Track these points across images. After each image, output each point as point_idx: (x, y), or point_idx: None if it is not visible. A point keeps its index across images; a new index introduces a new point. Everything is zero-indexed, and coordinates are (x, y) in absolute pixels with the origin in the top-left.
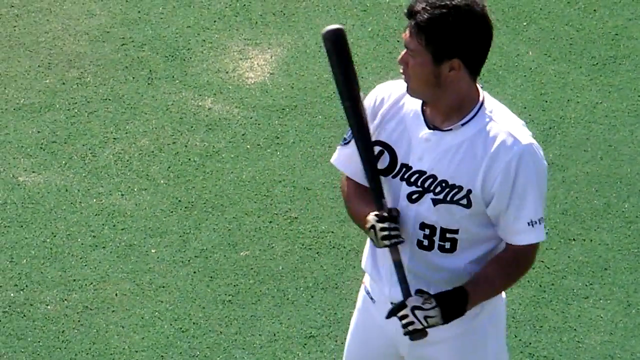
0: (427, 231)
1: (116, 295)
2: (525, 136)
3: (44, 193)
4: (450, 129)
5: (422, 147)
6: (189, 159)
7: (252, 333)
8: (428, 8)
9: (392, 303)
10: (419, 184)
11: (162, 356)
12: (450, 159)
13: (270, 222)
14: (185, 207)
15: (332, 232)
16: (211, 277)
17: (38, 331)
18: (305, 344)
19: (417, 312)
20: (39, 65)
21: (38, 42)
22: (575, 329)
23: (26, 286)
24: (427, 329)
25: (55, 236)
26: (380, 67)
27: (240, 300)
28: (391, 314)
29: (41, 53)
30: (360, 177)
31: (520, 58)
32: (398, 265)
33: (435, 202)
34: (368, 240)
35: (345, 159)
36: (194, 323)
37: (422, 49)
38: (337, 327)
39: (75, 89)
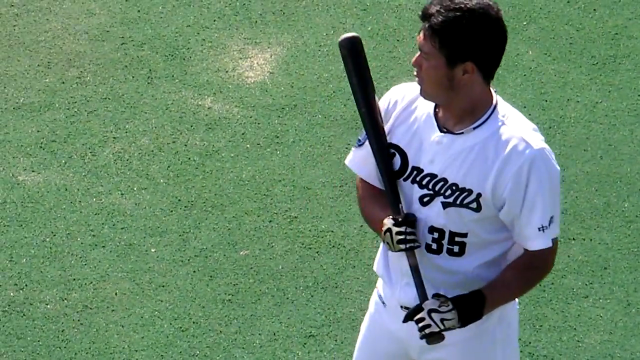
0: (435, 235)
1: (116, 294)
2: (538, 141)
3: (44, 192)
4: (462, 132)
5: (434, 150)
6: (189, 158)
7: (252, 332)
8: (442, 11)
9: (402, 307)
10: (430, 187)
11: (161, 355)
12: (461, 162)
13: (270, 221)
14: (185, 207)
15: (332, 231)
16: (211, 277)
17: (38, 330)
18: (305, 343)
19: (433, 314)
20: (38, 65)
21: (38, 41)
22: (575, 329)
23: (26, 285)
24: (444, 332)
25: (55, 235)
26: (380, 66)
27: (240, 300)
28: (408, 317)
29: (41, 52)
30: (374, 179)
31: (520, 57)
32: (415, 270)
33: (445, 205)
34: (381, 243)
35: (360, 160)
36: (193, 322)
37: (436, 51)
38: (336, 326)
39: (74, 88)
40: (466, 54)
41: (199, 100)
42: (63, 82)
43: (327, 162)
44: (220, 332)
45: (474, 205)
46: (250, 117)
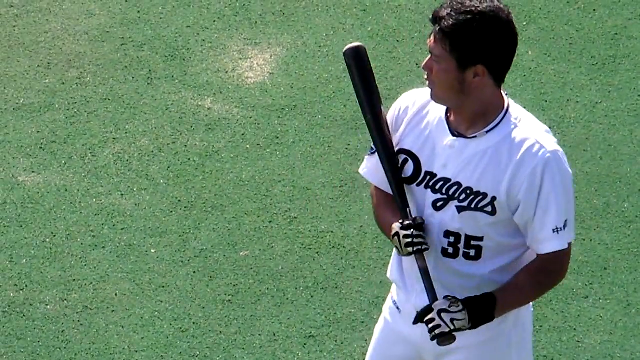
0: (451, 239)
1: (116, 295)
2: (551, 143)
3: (44, 193)
4: (475, 136)
5: (447, 155)
6: (189, 159)
7: (252, 333)
8: (453, 14)
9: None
10: (443, 191)
11: (161, 356)
12: (475, 166)
13: (270, 222)
14: (185, 207)
15: (332, 231)
16: (211, 277)
17: (38, 331)
18: (305, 344)
19: (443, 315)
20: (38, 65)
21: (38, 42)
22: (575, 329)
23: (26, 286)
24: (455, 333)
25: (55, 236)
26: (380, 66)
27: (240, 300)
28: (418, 319)
29: (41, 53)
30: (387, 186)
31: (520, 58)
32: (424, 272)
33: (459, 209)
34: (394, 249)
35: (373, 168)
36: (193, 323)
37: (447, 54)
38: (336, 327)
39: (74, 89)
40: (477, 57)
41: (199, 100)
42: (63, 83)
43: (327, 162)
44: (220, 332)
45: (488, 208)
46: (250, 117)
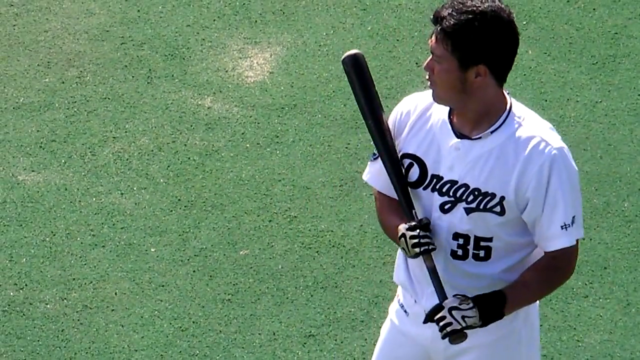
0: (460, 241)
1: (116, 294)
2: (557, 140)
3: (44, 192)
4: (480, 137)
5: (452, 157)
6: (189, 158)
7: (252, 332)
8: (454, 14)
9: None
10: (450, 193)
11: (161, 355)
12: (481, 167)
13: (270, 221)
14: (185, 206)
15: (332, 231)
16: (211, 276)
17: (37, 330)
18: (304, 343)
19: (454, 312)
20: (38, 64)
21: (37, 41)
22: (574, 328)
23: (26, 285)
24: (466, 331)
25: (54, 235)
26: (379, 66)
27: (240, 299)
28: (428, 318)
29: (40, 52)
30: (391, 190)
31: (520, 57)
32: (433, 272)
33: (468, 211)
34: (399, 253)
35: (376, 173)
36: (193, 322)
37: (448, 54)
38: (336, 326)
39: (74, 88)
40: (478, 56)
41: (199, 100)
42: (63, 82)
43: (327, 161)
44: (220, 331)
45: (497, 209)
46: (250, 116)
